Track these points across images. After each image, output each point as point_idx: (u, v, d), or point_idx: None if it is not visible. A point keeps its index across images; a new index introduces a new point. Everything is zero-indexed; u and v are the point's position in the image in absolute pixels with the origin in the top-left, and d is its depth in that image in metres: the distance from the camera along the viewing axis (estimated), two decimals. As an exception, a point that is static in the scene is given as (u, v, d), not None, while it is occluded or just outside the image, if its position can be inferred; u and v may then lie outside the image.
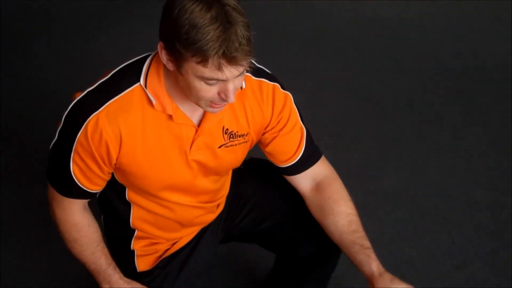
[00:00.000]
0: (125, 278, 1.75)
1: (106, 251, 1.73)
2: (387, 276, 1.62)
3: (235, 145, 1.65)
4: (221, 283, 2.29)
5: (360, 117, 3.05)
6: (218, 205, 1.83)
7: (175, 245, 1.81)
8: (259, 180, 1.88)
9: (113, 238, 1.80)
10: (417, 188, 2.73)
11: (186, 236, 1.82)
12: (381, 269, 1.64)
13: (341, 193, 1.74)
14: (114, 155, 1.54)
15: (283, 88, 1.66)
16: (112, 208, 1.75)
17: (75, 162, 1.55)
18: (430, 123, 3.04)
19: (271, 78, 1.65)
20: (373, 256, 1.66)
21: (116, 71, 1.55)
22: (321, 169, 1.75)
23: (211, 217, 1.83)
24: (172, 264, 1.79)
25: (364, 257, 1.65)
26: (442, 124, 3.04)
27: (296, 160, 1.71)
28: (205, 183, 1.70)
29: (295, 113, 1.69)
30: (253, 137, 1.67)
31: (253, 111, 1.63)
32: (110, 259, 1.73)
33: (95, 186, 1.61)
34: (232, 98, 1.45)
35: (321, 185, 1.74)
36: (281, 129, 1.67)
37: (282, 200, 1.86)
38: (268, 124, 1.66)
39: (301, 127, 1.71)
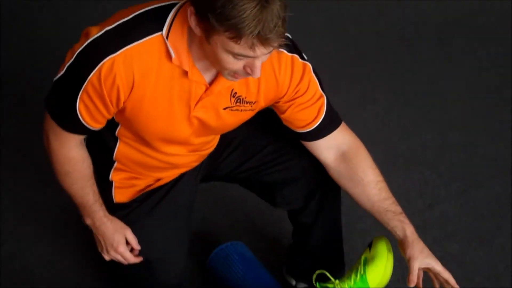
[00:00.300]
0: (109, 216, 1.76)
1: (95, 187, 1.73)
2: (419, 246, 1.67)
3: (241, 110, 1.63)
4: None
5: (337, 62, 3.03)
6: (206, 154, 1.83)
7: (156, 183, 1.81)
8: (249, 122, 1.82)
9: (93, 164, 1.77)
10: (392, 130, 2.77)
11: (168, 177, 1.81)
12: (415, 235, 1.68)
13: (368, 161, 1.74)
14: (122, 99, 1.52)
15: (302, 58, 1.62)
16: (98, 136, 1.72)
17: (82, 100, 1.52)
18: (407, 68, 3.05)
19: (290, 48, 1.60)
20: (406, 221, 1.70)
21: (139, 14, 1.48)
22: (344, 137, 1.74)
23: (197, 163, 1.83)
24: (150, 199, 1.80)
25: (398, 223, 1.70)
26: (418, 69, 3.05)
27: (315, 126, 1.68)
28: (198, 139, 1.70)
29: (314, 82, 1.65)
30: (261, 105, 1.65)
31: (268, 82, 1.59)
32: (97, 196, 1.73)
33: (98, 124, 1.59)
34: (258, 73, 1.42)
35: (346, 155, 1.73)
36: (298, 98, 1.64)
37: (270, 138, 1.85)
38: (284, 95, 1.63)
39: (321, 95, 1.67)
